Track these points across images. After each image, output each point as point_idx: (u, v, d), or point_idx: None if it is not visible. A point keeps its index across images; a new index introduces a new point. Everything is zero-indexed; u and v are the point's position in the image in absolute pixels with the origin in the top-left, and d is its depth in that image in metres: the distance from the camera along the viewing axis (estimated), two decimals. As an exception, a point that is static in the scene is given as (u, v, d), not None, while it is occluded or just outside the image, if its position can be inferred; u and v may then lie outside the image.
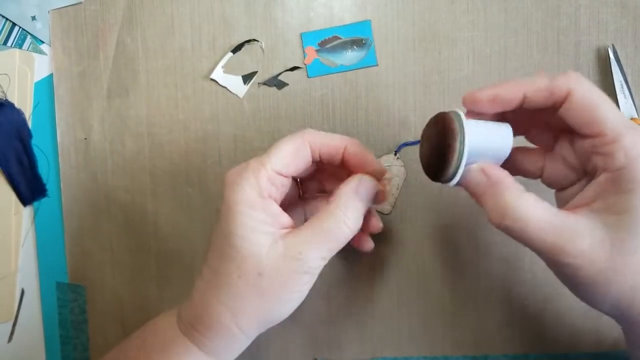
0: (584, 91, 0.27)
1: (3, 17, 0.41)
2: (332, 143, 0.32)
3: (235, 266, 0.30)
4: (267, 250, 0.30)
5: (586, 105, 0.27)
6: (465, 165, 0.28)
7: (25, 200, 0.42)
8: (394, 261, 0.40)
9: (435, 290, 0.40)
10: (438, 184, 0.30)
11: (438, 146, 0.29)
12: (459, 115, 0.28)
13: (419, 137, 0.40)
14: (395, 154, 0.39)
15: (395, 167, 0.39)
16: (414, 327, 0.40)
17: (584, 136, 0.27)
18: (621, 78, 0.38)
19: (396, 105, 0.40)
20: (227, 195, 0.31)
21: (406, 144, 0.39)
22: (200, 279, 0.32)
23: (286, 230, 0.31)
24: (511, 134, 0.29)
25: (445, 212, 0.40)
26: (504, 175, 0.28)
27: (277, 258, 0.30)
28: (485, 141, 0.28)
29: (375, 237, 0.40)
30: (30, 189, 0.42)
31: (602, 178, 0.27)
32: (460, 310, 0.40)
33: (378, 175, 0.33)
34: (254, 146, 0.41)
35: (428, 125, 0.30)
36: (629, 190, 0.26)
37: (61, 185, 0.42)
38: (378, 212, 0.40)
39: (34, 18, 0.41)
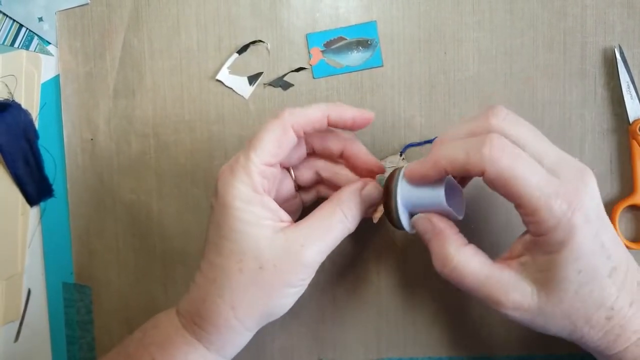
0: (497, 171, 0.27)
1: (10, 18, 0.42)
2: (312, 117, 0.32)
3: (235, 260, 0.30)
4: (268, 244, 0.30)
5: (500, 182, 0.28)
6: (412, 217, 0.32)
7: (31, 201, 0.42)
8: (399, 262, 0.40)
9: (440, 291, 0.40)
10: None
11: (386, 196, 0.32)
12: (399, 168, 0.32)
13: (424, 138, 0.40)
14: (401, 155, 0.39)
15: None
16: (419, 327, 0.40)
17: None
18: (628, 79, 0.38)
19: (401, 106, 0.40)
20: (221, 193, 0.31)
21: (412, 145, 0.39)
22: (199, 274, 0.32)
23: (285, 224, 0.31)
24: (442, 190, 0.31)
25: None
26: (447, 226, 0.31)
27: (278, 251, 0.30)
28: (417, 197, 0.31)
29: (379, 237, 0.40)
30: (36, 189, 0.42)
31: (527, 237, 0.30)
32: (465, 310, 0.40)
33: (377, 171, 0.34)
34: (260, 147, 0.41)
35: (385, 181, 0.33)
36: (549, 253, 0.28)
37: (67, 186, 0.42)
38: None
39: (40, 19, 0.42)
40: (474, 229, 0.39)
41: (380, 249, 0.40)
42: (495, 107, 0.30)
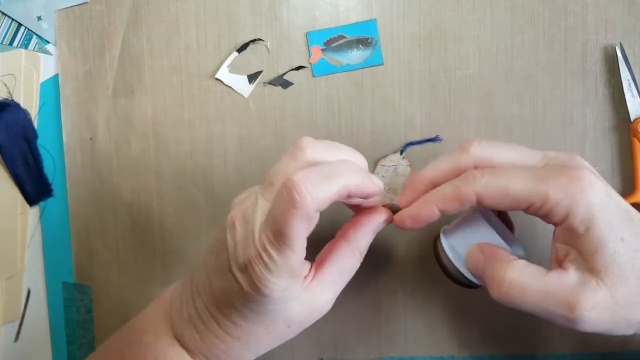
0: (484, 191, 0.28)
1: (9, 17, 0.41)
2: (333, 195, 0.28)
3: (264, 326, 0.30)
4: (297, 310, 0.30)
5: (495, 199, 0.28)
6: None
7: (31, 201, 0.42)
8: (400, 261, 0.40)
9: (442, 290, 0.40)
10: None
11: (442, 267, 0.33)
12: (438, 236, 0.34)
13: (425, 136, 0.40)
14: (401, 154, 0.39)
15: (401, 167, 0.39)
16: (420, 327, 0.40)
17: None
18: (629, 77, 0.38)
19: (402, 104, 0.40)
20: (255, 282, 0.28)
21: (412, 144, 0.39)
22: (221, 332, 0.31)
23: (309, 278, 0.31)
24: (482, 220, 0.32)
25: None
26: (497, 248, 0.31)
27: (305, 312, 0.31)
28: (468, 236, 0.32)
29: (381, 237, 0.40)
30: (36, 189, 0.42)
31: (559, 233, 0.29)
32: (466, 310, 0.40)
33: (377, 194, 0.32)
34: (260, 146, 0.41)
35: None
36: (585, 232, 0.27)
37: (67, 185, 0.42)
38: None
39: (39, 18, 0.41)
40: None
41: (381, 248, 0.40)
42: (467, 140, 0.31)
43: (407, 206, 0.31)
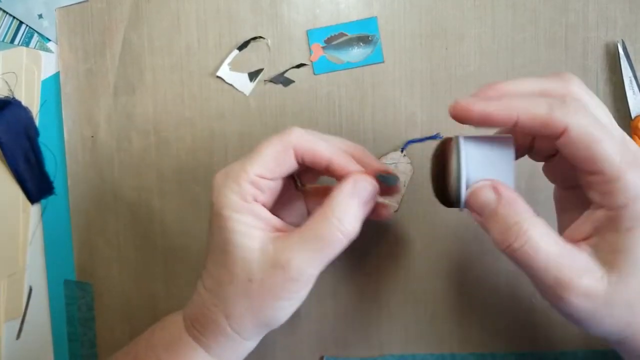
0: (581, 127, 0.25)
1: (10, 15, 0.41)
2: (317, 151, 0.30)
3: (226, 271, 0.30)
4: (258, 256, 0.29)
5: (583, 143, 0.25)
6: (469, 186, 0.28)
7: (32, 198, 0.42)
8: (401, 258, 0.40)
9: (442, 288, 0.40)
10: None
11: (439, 169, 0.29)
12: (456, 137, 0.28)
13: (425, 134, 0.40)
14: (402, 151, 0.39)
15: (402, 165, 0.39)
16: (421, 324, 0.40)
17: (582, 171, 0.26)
18: (630, 74, 0.38)
19: (402, 102, 0.40)
20: (214, 201, 0.30)
21: (413, 141, 0.39)
22: (200, 281, 0.32)
23: (277, 234, 0.30)
24: (512, 151, 0.28)
25: (452, 209, 0.39)
26: (517, 195, 0.27)
27: (266, 265, 0.29)
28: (484, 157, 0.28)
29: (382, 234, 0.40)
30: (37, 186, 0.42)
31: (599, 214, 0.26)
32: (467, 307, 0.40)
33: (381, 173, 0.31)
34: (260, 143, 0.41)
35: (433, 152, 0.30)
36: (626, 230, 0.25)
37: (68, 183, 0.42)
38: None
39: (40, 16, 0.41)
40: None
41: (381, 246, 0.40)
42: (571, 76, 0.27)
43: (473, 109, 0.26)
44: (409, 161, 0.39)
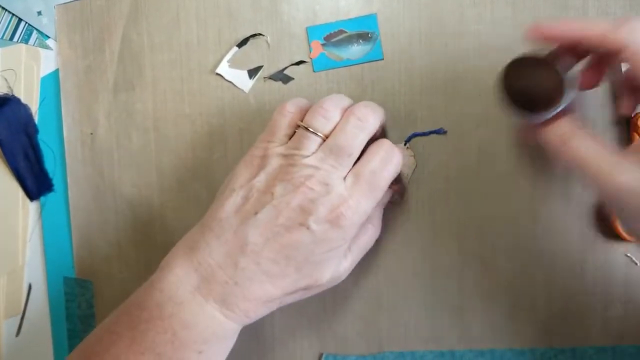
0: (636, 48, 0.28)
1: (9, 12, 0.41)
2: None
3: (299, 275, 0.33)
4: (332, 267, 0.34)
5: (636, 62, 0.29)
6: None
7: (32, 195, 0.42)
8: (400, 254, 0.40)
9: (442, 284, 0.40)
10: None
11: (542, 77, 0.32)
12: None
13: (425, 130, 0.40)
14: (406, 144, 0.39)
15: (405, 157, 0.39)
16: (420, 321, 0.40)
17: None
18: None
19: (402, 99, 0.40)
20: None
21: (416, 134, 0.39)
22: (267, 282, 0.33)
23: None
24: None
25: (452, 204, 0.39)
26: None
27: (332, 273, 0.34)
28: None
29: (381, 230, 0.40)
30: (37, 183, 0.42)
31: None
32: (466, 304, 0.40)
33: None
34: (260, 140, 0.40)
35: (514, 66, 0.34)
36: None
37: (68, 180, 0.42)
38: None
39: (39, 13, 0.41)
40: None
41: (381, 242, 0.40)
42: (626, 19, 0.30)
43: (544, 29, 0.32)
44: (412, 154, 0.39)
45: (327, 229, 0.32)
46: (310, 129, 0.33)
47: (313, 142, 0.33)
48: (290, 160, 0.33)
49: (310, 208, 0.32)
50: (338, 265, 0.34)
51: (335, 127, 0.34)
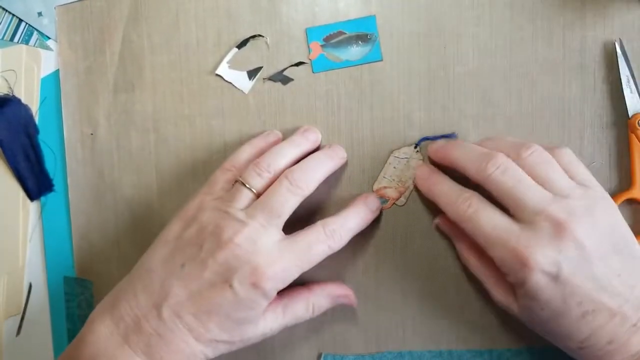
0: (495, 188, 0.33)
1: (10, 13, 0.42)
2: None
3: (228, 335, 0.33)
4: (261, 326, 0.35)
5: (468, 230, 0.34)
6: None
7: (32, 196, 0.42)
8: (399, 255, 0.40)
9: (440, 284, 0.40)
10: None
11: None
12: None
13: (424, 133, 0.40)
14: (416, 147, 0.39)
15: (413, 160, 0.39)
16: (418, 321, 0.40)
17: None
18: (628, 73, 0.38)
19: (401, 100, 0.40)
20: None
21: (427, 138, 0.39)
22: (189, 336, 0.32)
23: (269, 307, 0.35)
24: None
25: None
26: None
27: (258, 333, 0.34)
28: None
29: (380, 230, 0.40)
30: (37, 184, 0.42)
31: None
32: (465, 304, 0.40)
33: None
34: (259, 141, 0.41)
35: None
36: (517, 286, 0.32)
37: (68, 181, 0.42)
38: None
39: (40, 14, 0.42)
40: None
41: (379, 243, 0.40)
42: (527, 145, 0.33)
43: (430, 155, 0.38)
44: (421, 157, 0.40)
45: (249, 290, 0.31)
46: (246, 185, 0.34)
47: (245, 197, 0.33)
48: (222, 214, 0.33)
49: (235, 265, 0.31)
50: (263, 326, 0.34)
51: (269, 185, 0.34)
